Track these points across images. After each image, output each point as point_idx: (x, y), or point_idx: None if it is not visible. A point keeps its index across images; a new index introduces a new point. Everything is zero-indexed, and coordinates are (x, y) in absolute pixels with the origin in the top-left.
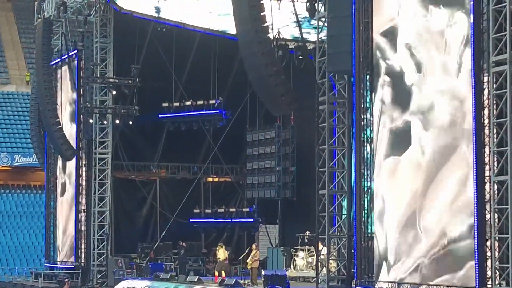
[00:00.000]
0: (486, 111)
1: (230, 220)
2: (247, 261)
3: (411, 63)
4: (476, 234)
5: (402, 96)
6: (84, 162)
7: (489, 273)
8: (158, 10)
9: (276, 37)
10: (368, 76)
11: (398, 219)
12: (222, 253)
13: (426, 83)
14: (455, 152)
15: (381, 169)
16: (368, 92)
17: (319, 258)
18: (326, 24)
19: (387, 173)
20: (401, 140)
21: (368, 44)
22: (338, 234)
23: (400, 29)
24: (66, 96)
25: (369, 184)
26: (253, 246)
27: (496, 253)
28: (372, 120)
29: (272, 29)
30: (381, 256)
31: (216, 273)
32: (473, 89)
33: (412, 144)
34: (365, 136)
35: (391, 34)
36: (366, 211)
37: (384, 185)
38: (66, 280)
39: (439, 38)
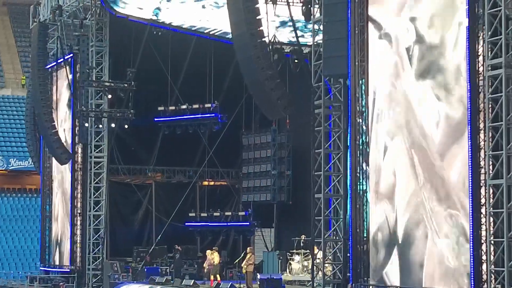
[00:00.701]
0: (481, 115)
1: (225, 223)
2: (242, 265)
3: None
4: (471, 237)
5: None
6: (79, 166)
7: (484, 276)
8: (159, 10)
9: (272, 40)
10: (363, 80)
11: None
12: (216, 257)
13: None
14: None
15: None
16: (364, 96)
17: (314, 262)
18: (321, 28)
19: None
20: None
21: (363, 49)
22: (334, 237)
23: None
24: (61, 99)
25: (364, 188)
26: (248, 249)
27: (492, 257)
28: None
29: (268, 33)
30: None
31: (212, 277)
32: (469, 93)
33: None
34: (361, 140)
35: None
36: (363, 215)
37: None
38: (62, 284)
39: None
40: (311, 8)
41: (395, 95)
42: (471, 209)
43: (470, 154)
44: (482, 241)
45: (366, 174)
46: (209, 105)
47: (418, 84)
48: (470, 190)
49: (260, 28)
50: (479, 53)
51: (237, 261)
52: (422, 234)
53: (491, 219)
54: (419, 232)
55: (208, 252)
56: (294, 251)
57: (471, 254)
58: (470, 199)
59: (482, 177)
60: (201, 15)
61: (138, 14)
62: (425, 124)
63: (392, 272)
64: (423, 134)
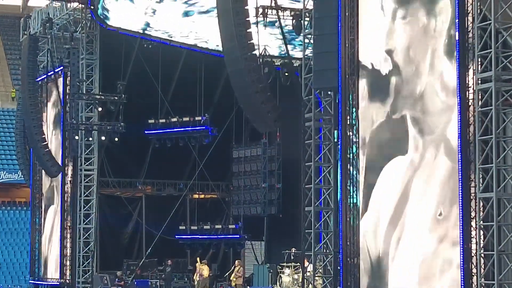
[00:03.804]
0: (471, 128)
1: (216, 236)
2: (231, 278)
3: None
4: (461, 250)
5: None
6: (69, 179)
7: None
8: (147, 25)
9: (262, 54)
10: (353, 93)
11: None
12: (206, 270)
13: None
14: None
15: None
16: (354, 109)
17: (305, 275)
18: (312, 41)
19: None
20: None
21: (354, 62)
22: (324, 251)
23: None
24: (51, 112)
25: (355, 201)
26: (236, 262)
27: (482, 270)
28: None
29: (258, 46)
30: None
31: None
32: (458, 106)
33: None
34: (351, 153)
35: None
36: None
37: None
38: None
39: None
40: (302, 22)
41: None
42: (461, 222)
43: (460, 167)
44: (472, 254)
45: (357, 186)
46: (200, 118)
47: None
48: (460, 203)
49: (251, 41)
50: (469, 67)
51: (226, 274)
52: None
53: (481, 232)
54: None
55: (198, 263)
56: (285, 264)
57: (461, 267)
58: (461, 212)
59: (472, 190)
60: (188, 30)
61: (127, 27)
62: None
63: None
64: None
